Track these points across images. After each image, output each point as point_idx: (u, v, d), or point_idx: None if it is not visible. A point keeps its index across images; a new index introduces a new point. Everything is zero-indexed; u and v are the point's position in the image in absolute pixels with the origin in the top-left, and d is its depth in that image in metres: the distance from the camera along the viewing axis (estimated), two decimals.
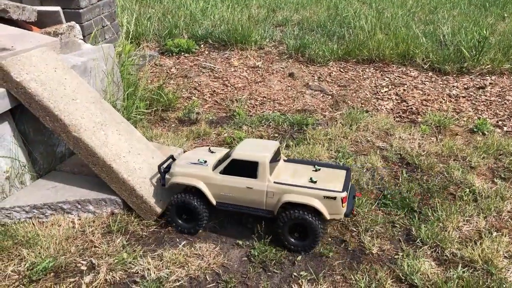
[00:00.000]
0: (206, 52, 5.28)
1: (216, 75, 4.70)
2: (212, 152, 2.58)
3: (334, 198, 2.21)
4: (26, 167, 2.59)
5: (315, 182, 2.30)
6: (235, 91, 4.35)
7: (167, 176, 2.45)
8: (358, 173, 2.93)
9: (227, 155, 2.41)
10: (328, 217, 2.24)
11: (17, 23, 3.32)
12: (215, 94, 4.31)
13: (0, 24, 3.02)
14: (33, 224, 2.39)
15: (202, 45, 5.42)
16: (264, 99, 4.18)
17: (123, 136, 2.63)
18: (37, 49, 2.62)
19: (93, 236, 2.34)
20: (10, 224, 2.39)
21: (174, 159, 2.58)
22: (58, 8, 3.58)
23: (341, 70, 4.79)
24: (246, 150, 2.36)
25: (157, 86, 3.93)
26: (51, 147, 2.76)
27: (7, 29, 2.97)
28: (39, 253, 2.19)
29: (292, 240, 2.29)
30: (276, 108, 4.00)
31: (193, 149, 2.87)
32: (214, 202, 2.38)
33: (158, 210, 2.46)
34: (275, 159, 2.39)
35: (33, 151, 2.65)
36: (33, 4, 3.90)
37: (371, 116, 3.74)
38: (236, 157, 2.30)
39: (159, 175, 2.53)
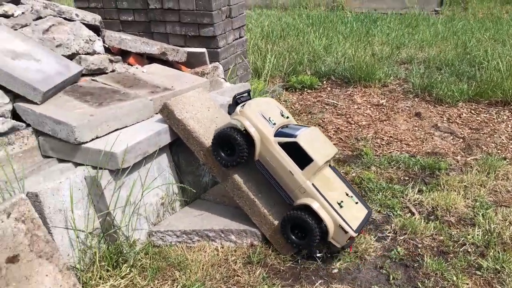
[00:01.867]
0: (329, 89, 5.40)
1: (339, 111, 4.78)
2: (282, 115, 2.67)
3: (346, 232, 2.37)
4: (177, 194, 2.87)
5: (341, 207, 2.44)
6: (359, 129, 4.38)
7: (237, 108, 2.58)
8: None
9: (291, 130, 2.55)
10: (329, 238, 2.41)
11: (170, 63, 3.74)
12: (339, 131, 4.38)
13: (160, 65, 3.43)
14: (182, 248, 2.63)
15: (324, 82, 5.56)
16: (390, 138, 4.15)
17: None
18: (194, 90, 2.93)
19: (235, 265, 2.51)
20: (163, 246, 2.66)
21: (249, 95, 2.77)
22: (204, 50, 3.96)
23: (472, 111, 4.59)
24: (311, 141, 2.48)
25: None
26: (197, 177, 3.03)
27: (166, 70, 3.36)
28: (189, 276, 2.41)
29: (293, 237, 2.49)
30: (403, 149, 3.95)
31: (268, 98, 2.93)
32: (256, 158, 2.51)
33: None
34: (326, 161, 2.53)
35: (183, 181, 2.93)
36: (178, 45, 4.36)
37: (511, 164, 3.53)
38: (299, 143, 2.42)
39: None
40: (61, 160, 2.56)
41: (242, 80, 4.87)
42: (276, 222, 2.58)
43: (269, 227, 2.60)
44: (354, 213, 2.52)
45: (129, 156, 2.43)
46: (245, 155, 2.53)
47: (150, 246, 2.63)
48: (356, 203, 2.61)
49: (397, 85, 5.27)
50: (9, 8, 3.11)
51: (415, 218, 2.90)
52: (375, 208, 3.01)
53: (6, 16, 3.05)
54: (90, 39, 3.15)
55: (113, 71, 3.23)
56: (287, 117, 2.70)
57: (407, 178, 3.41)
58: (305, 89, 5.38)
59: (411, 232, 2.76)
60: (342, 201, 2.49)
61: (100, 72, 3.14)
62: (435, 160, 3.60)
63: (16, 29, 2.95)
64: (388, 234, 2.78)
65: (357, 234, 2.43)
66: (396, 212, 2.96)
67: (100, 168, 2.41)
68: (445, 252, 2.62)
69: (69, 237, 2.34)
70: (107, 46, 3.40)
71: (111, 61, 3.27)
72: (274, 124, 2.56)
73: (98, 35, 3.38)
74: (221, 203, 2.93)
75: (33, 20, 3.13)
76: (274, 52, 6.15)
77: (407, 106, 4.77)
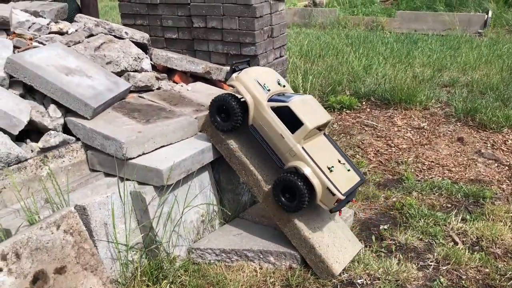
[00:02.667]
0: (368, 110, 5.35)
1: (378, 133, 4.73)
2: (279, 84, 2.71)
3: (333, 194, 2.37)
4: (217, 213, 2.89)
5: (331, 171, 2.45)
6: (400, 153, 4.31)
7: (234, 74, 2.63)
8: None
9: (285, 97, 2.57)
10: (317, 201, 2.42)
11: (212, 81, 3.80)
12: (379, 154, 4.32)
13: (204, 84, 3.50)
14: (221, 267, 2.64)
15: (363, 102, 5.51)
16: (432, 163, 4.06)
17: None
18: None
19: (273, 287, 2.49)
20: (202, 264, 2.68)
21: (248, 64, 2.80)
22: None
23: None
24: (303, 106, 2.51)
25: None
26: (237, 196, 3.05)
27: (210, 88, 3.42)
28: None
29: (283, 199, 2.53)
30: (445, 175, 3.85)
31: (269, 68, 2.96)
32: (250, 122, 2.56)
33: (335, 271, 2.53)
34: (319, 128, 2.55)
35: (223, 198, 2.95)
36: (219, 63, 4.43)
37: None
38: (291, 107, 2.46)
39: (337, 238, 2.62)
40: (107, 174, 2.63)
41: None
42: (317, 246, 2.55)
43: (308, 251, 2.57)
44: (345, 178, 2.53)
45: (174, 173, 2.47)
46: (240, 120, 2.61)
47: (190, 263, 2.65)
48: (348, 170, 2.62)
49: (438, 109, 5.17)
50: (64, 25, 3.26)
51: (459, 248, 2.81)
52: (416, 236, 2.94)
53: (61, 33, 3.20)
54: (138, 57, 3.25)
55: (158, 88, 3.31)
56: (284, 86, 2.75)
57: (449, 205, 3.32)
58: (344, 110, 5.35)
59: (454, 263, 2.68)
60: (332, 166, 2.50)
61: (147, 89, 3.22)
62: (479, 188, 3.50)
63: (69, 46, 3.08)
64: (430, 263, 2.71)
65: (345, 197, 2.44)
66: (439, 240, 2.89)
67: (145, 184, 2.46)
68: (491, 285, 2.52)
69: (112, 251, 2.39)
70: (153, 63, 3.50)
71: (157, 78, 3.35)
72: (269, 90, 2.61)
73: (146, 53, 3.49)
74: (260, 223, 2.93)
75: (86, 37, 3.27)
76: (313, 71, 6.16)
77: (449, 131, 4.67)
